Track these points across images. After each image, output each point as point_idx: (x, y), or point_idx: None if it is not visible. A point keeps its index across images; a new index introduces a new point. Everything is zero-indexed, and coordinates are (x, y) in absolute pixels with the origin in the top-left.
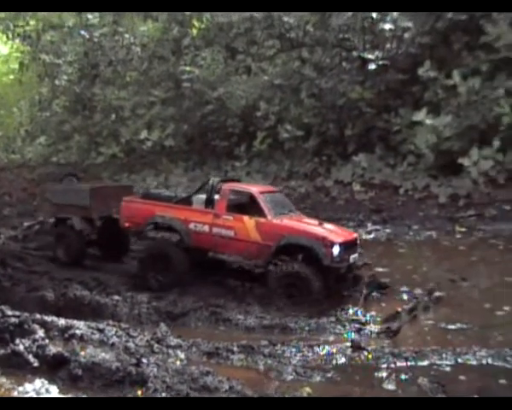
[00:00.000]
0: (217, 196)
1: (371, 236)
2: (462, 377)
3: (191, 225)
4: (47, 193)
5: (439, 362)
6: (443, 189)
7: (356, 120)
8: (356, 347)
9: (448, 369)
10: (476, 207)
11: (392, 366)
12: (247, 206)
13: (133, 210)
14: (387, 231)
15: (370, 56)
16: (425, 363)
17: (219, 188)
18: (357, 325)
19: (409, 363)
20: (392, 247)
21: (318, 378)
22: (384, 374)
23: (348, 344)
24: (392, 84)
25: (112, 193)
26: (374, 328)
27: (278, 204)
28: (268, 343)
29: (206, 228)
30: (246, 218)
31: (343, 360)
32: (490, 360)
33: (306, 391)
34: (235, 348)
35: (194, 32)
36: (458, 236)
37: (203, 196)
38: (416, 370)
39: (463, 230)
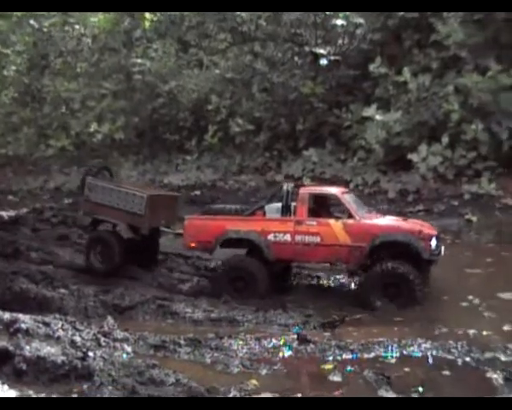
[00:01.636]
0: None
1: None
2: (406, 369)
3: (270, 236)
4: (86, 188)
5: (384, 354)
6: (392, 184)
7: (307, 114)
8: (302, 339)
9: (393, 361)
10: (425, 203)
11: (338, 358)
12: (323, 208)
13: (200, 228)
14: None
15: (322, 52)
16: (371, 355)
17: (295, 193)
18: (303, 318)
19: (355, 355)
20: None
21: (265, 371)
22: (330, 366)
23: (295, 337)
24: (344, 80)
25: (164, 202)
26: (320, 320)
27: (357, 203)
28: (215, 336)
29: (288, 237)
30: (332, 221)
31: (289, 352)
32: (434, 352)
33: (252, 383)
34: (182, 342)
35: (146, 24)
36: None
37: (276, 204)
38: (362, 362)
39: None
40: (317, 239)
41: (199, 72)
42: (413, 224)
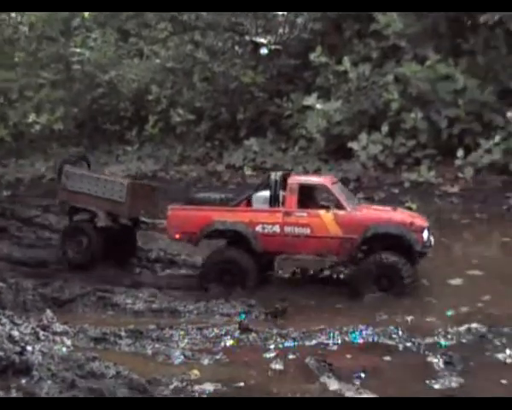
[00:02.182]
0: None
1: None
2: (348, 356)
3: (258, 228)
4: (63, 176)
5: (326, 341)
6: (333, 172)
7: (248, 104)
8: (243, 328)
9: (335, 348)
10: (365, 191)
11: (280, 346)
12: (310, 199)
13: (184, 218)
14: None
15: (263, 41)
16: (312, 343)
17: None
18: (245, 307)
19: (297, 343)
20: None
21: (207, 361)
22: (272, 355)
23: (236, 326)
24: (285, 69)
25: (143, 192)
26: (263, 309)
27: (346, 194)
28: (156, 327)
29: (277, 228)
30: (322, 212)
31: (231, 341)
32: (376, 338)
33: (194, 373)
34: (123, 333)
35: (85, 13)
36: None
37: (263, 194)
38: (304, 349)
39: None
40: (307, 231)
41: (139, 61)
42: (404, 215)
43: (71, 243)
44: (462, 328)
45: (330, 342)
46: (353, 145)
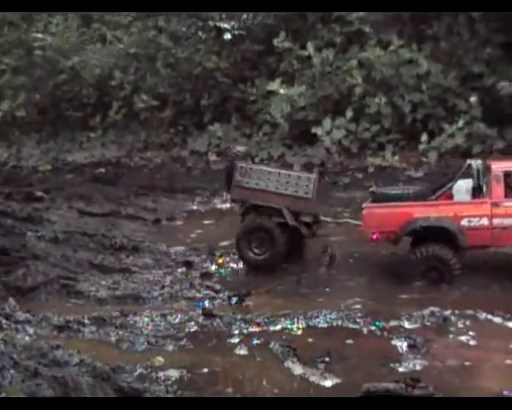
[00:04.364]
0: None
1: (227, 205)
2: (311, 340)
3: (464, 222)
4: (236, 172)
5: (290, 326)
6: (298, 158)
7: (212, 89)
8: (207, 314)
9: (299, 333)
10: (330, 176)
11: (245, 331)
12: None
13: (382, 217)
14: None
15: (226, 26)
16: (277, 328)
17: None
18: (210, 293)
19: (261, 328)
20: None
21: (171, 347)
22: (236, 340)
23: (200, 312)
24: (249, 55)
25: (321, 187)
26: (227, 294)
27: None
28: (120, 314)
29: (485, 221)
30: None
31: (195, 327)
32: (340, 322)
33: (158, 360)
34: (87, 321)
35: None
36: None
37: (464, 185)
38: (268, 335)
39: None
40: None
41: (102, 47)
42: None
43: (251, 244)
44: (426, 311)
45: (294, 326)
46: (317, 130)
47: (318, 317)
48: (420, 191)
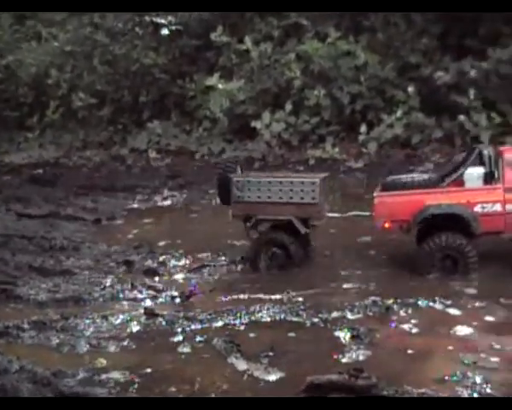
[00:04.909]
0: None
1: (167, 202)
2: (254, 335)
3: (477, 208)
4: (233, 188)
5: (233, 322)
6: (238, 152)
7: (150, 86)
8: (149, 314)
9: (242, 328)
10: (271, 169)
11: (188, 329)
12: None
13: (394, 205)
14: (184, 196)
15: (163, 21)
16: (220, 324)
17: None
18: (152, 292)
19: (203, 325)
20: (188, 212)
21: (113, 348)
22: (180, 338)
23: (142, 311)
24: (187, 50)
25: (324, 186)
26: (170, 293)
27: None
28: (60, 318)
29: (498, 207)
30: None
31: (138, 327)
32: (283, 316)
33: (100, 362)
34: (26, 326)
35: None
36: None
37: (476, 171)
38: (211, 331)
39: None
40: None
41: (37, 45)
42: None
43: (265, 257)
44: (368, 301)
45: (237, 322)
46: (256, 124)
47: (261, 311)
48: (429, 179)
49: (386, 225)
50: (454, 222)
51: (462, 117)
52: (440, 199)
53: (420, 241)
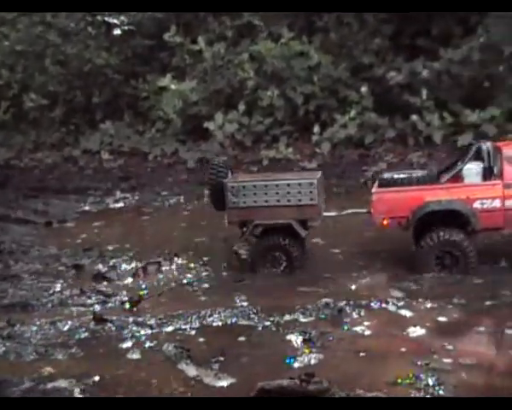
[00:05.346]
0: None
1: (120, 204)
2: (205, 340)
3: (476, 204)
4: (228, 193)
5: (184, 326)
6: (191, 153)
7: (103, 86)
8: (98, 319)
9: (193, 333)
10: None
11: (137, 335)
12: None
13: (393, 202)
14: (136, 198)
15: (115, 21)
16: (170, 329)
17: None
18: (102, 297)
19: (153, 330)
20: (140, 214)
21: (61, 356)
22: (129, 344)
23: (91, 317)
24: (140, 50)
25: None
26: (120, 298)
27: None
28: (7, 324)
29: (498, 203)
30: None
31: (86, 334)
32: (234, 320)
33: (47, 370)
34: None
35: None
36: (206, 199)
37: (475, 167)
38: (162, 337)
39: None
40: None
41: None
42: None
43: (266, 261)
44: (321, 303)
45: (188, 326)
46: (209, 125)
47: (212, 315)
48: (426, 175)
49: (385, 222)
50: (453, 218)
51: (414, 117)
52: (440, 195)
53: (417, 239)
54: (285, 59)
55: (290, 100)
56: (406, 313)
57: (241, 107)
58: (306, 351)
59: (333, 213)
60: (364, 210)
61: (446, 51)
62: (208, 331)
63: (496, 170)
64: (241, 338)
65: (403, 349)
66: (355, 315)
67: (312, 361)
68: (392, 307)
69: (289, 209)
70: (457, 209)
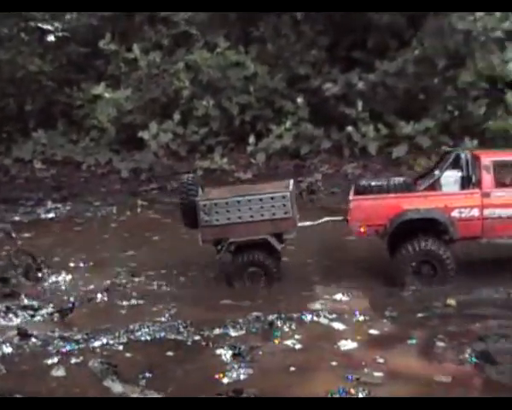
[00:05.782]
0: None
1: (51, 215)
2: (132, 355)
3: (454, 213)
4: (200, 212)
5: (111, 341)
6: (125, 163)
7: (36, 94)
8: (23, 334)
9: (121, 348)
10: (158, 180)
11: (63, 350)
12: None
13: (371, 209)
14: (68, 208)
15: (49, 28)
16: (97, 344)
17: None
18: (28, 310)
19: (80, 345)
20: (72, 225)
21: None
22: (54, 360)
23: (15, 332)
24: (74, 57)
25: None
26: (46, 311)
27: None
28: None
29: (476, 212)
30: None
31: (10, 349)
32: (163, 334)
33: None
34: None
35: None
36: (139, 210)
37: (453, 175)
38: (88, 352)
39: (145, 203)
40: (510, 212)
41: None
42: None
43: (243, 277)
44: (251, 316)
45: (115, 341)
46: (144, 134)
47: (140, 330)
48: (403, 182)
49: (362, 229)
50: (430, 227)
51: (350, 128)
52: (418, 203)
53: (393, 249)
54: (221, 69)
55: (226, 110)
56: (338, 325)
57: (177, 116)
58: (236, 366)
59: (307, 223)
60: (340, 218)
61: (382, 63)
62: (136, 346)
63: (474, 179)
64: (170, 353)
65: (333, 363)
66: (286, 328)
67: (242, 377)
68: (323, 320)
69: (264, 224)
70: (436, 218)
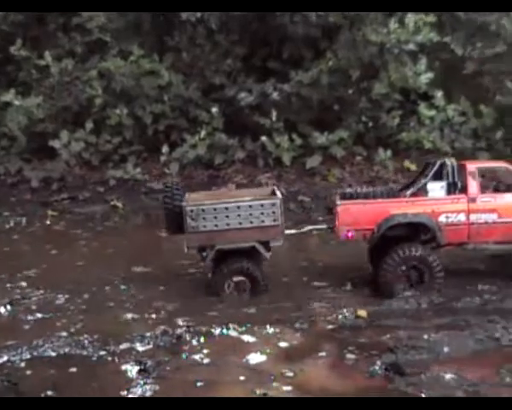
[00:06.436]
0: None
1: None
2: (35, 372)
3: (441, 218)
4: (187, 218)
5: (13, 358)
6: (36, 172)
7: None
8: None
9: (23, 365)
10: (69, 190)
11: None
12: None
13: (358, 214)
14: None
15: None
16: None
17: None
18: None
19: None
20: None
21: None
22: None
23: None
24: None
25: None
26: None
27: None
28: None
29: (462, 217)
30: (510, 196)
31: None
32: (67, 350)
33: None
34: None
35: None
36: (49, 221)
37: (439, 182)
38: None
39: (55, 214)
40: (494, 217)
41: None
42: None
43: (230, 285)
44: (159, 331)
45: (17, 358)
46: (55, 143)
47: (44, 345)
48: (389, 190)
49: (350, 234)
50: (418, 232)
51: (264, 138)
52: (406, 208)
53: (379, 256)
54: (135, 77)
55: (139, 119)
56: (248, 338)
57: (89, 125)
58: (141, 382)
59: (293, 231)
60: (324, 226)
61: (297, 74)
62: (39, 363)
63: (459, 185)
64: (74, 369)
65: (242, 378)
66: (195, 342)
67: (148, 393)
68: (233, 333)
69: (252, 231)
70: (423, 222)
